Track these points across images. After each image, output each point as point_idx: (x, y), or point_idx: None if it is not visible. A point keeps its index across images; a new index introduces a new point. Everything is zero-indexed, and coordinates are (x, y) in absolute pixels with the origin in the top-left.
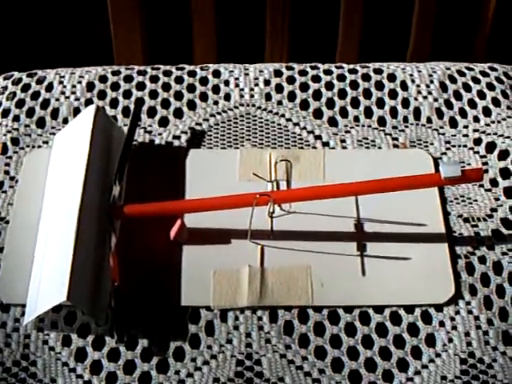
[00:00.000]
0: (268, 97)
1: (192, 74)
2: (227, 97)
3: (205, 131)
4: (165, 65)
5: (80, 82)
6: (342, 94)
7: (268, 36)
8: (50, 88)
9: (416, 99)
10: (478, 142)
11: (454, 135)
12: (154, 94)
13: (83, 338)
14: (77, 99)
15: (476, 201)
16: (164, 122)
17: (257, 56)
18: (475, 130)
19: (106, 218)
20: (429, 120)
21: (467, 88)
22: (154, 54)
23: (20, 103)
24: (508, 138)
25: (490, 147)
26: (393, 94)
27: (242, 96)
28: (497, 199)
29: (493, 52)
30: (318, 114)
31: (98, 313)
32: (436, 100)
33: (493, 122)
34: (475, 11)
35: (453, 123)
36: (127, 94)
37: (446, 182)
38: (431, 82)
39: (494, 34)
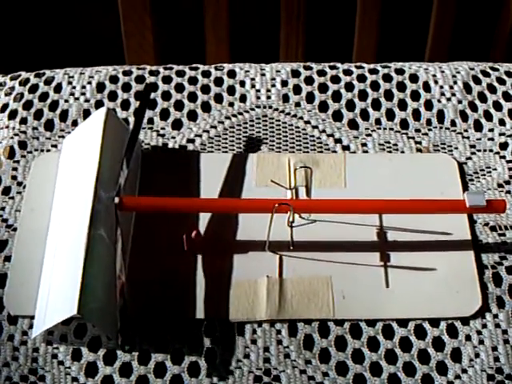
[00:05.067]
0: (285, 98)
1: (206, 74)
2: (243, 98)
3: (220, 134)
4: (177, 64)
5: (90, 83)
6: (363, 95)
7: (283, 35)
8: (58, 89)
9: (439, 101)
10: (504, 146)
11: (479, 139)
12: (166, 96)
13: (94, 352)
14: (86, 100)
15: None
16: (177, 125)
17: (271, 55)
18: (501, 134)
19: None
20: (453, 123)
21: (492, 89)
22: (166, 53)
23: (28, 105)
24: None
25: None
26: (415, 96)
27: (258, 97)
28: None
29: None
30: (337, 116)
31: (109, 326)
32: (460, 102)
33: None
34: (495, 9)
35: (478, 126)
36: (139, 96)
37: (470, 211)
38: (455, 82)
39: None
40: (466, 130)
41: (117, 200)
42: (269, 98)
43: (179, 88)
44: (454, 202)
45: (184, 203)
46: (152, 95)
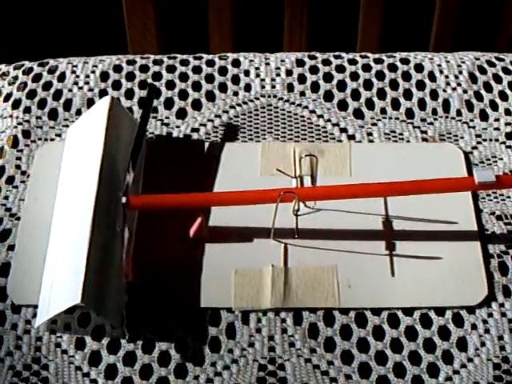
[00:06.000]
0: (290, 87)
1: (210, 63)
2: (248, 87)
3: (224, 123)
4: (180, 53)
5: (94, 72)
6: (368, 84)
7: (286, 25)
8: (62, 78)
9: (445, 91)
10: (509, 135)
11: (485, 128)
12: (170, 85)
13: (98, 341)
14: (90, 90)
15: (509, 197)
16: (182, 114)
17: (275, 44)
18: (507, 124)
19: (121, 215)
20: (458, 113)
21: (498, 79)
22: (169, 43)
23: (31, 94)
24: None
25: None
26: (421, 85)
27: (263, 87)
28: None
29: None
30: (342, 105)
31: (113, 315)
32: (465, 92)
33: None
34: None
35: (483, 116)
36: (143, 85)
37: (479, 188)
38: (460, 72)
39: None
40: (471, 120)
41: (124, 200)
42: (273, 87)
43: (183, 77)
44: (462, 180)
45: (189, 199)
46: (156, 84)
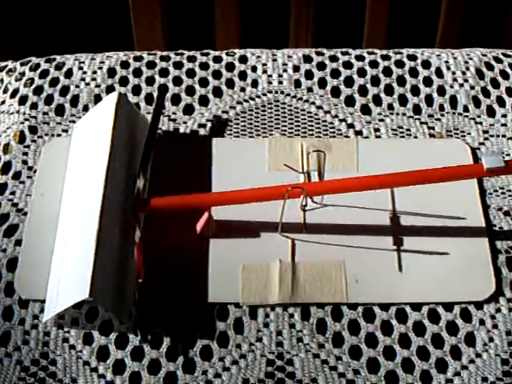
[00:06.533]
0: (297, 83)
1: (217, 59)
2: (255, 83)
3: (231, 119)
4: (186, 50)
5: (101, 68)
6: (375, 80)
7: (292, 22)
8: (69, 74)
9: (452, 87)
10: None
11: (492, 124)
12: (178, 81)
13: (105, 336)
14: (97, 86)
15: None
16: (189, 110)
17: (281, 41)
18: None
19: (130, 211)
20: (465, 109)
21: (505, 75)
22: (175, 39)
23: (38, 90)
24: None
25: None
26: (428, 82)
27: (270, 82)
28: None
29: None
30: (350, 101)
31: (121, 310)
32: (473, 88)
33: None
34: None
35: (490, 112)
36: (150, 81)
37: (488, 173)
38: (467, 69)
39: None
40: (478, 116)
41: (134, 203)
42: (280, 83)
43: (190, 73)
44: (470, 167)
45: (198, 200)
46: (163, 80)
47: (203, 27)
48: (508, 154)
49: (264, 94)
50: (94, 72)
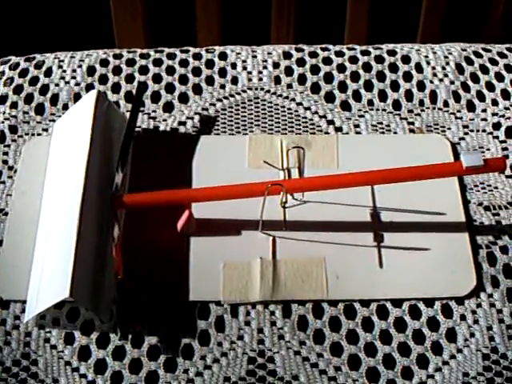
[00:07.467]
0: (277, 80)
1: (197, 56)
2: (234, 80)
3: (212, 116)
4: (167, 47)
5: (80, 66)
6: (355, 76)
7: (273, 16)
8: (49, 73)
9: (432, 82)
10: (497, 126)
11: (472, 119)
12: (157, 78)
13: (87, 336)
14: (77, 84)
15: (497, 188)
16: (169, 108)
17: (262, 38)
18: (494, 114)
19: (108, 209)
20: (445, 104)
21: (484, 70)
22: (156, 37)
23: (18, 89)
24: None
25: (510, 132)
26: (408, 77)
27: (250, 79)
28: None
29: (505, 32)
30: (329, 97)
31: (102, 309)
32: (452, 83)
33: None
34: None
35: (470, 107)
36: (130, 79)
37: (467, 172)
38: (447, 63)
39: (506, 14)
40: (458, 111)
41: (113, 199)
42: (260, 79)
43: (170, 71)
44: (449, 165)
45: (177, 196)
46: (142, 78)
47: (185, 24)
48: (488, 149)
49: (244, 91)
50: (74, 70)
